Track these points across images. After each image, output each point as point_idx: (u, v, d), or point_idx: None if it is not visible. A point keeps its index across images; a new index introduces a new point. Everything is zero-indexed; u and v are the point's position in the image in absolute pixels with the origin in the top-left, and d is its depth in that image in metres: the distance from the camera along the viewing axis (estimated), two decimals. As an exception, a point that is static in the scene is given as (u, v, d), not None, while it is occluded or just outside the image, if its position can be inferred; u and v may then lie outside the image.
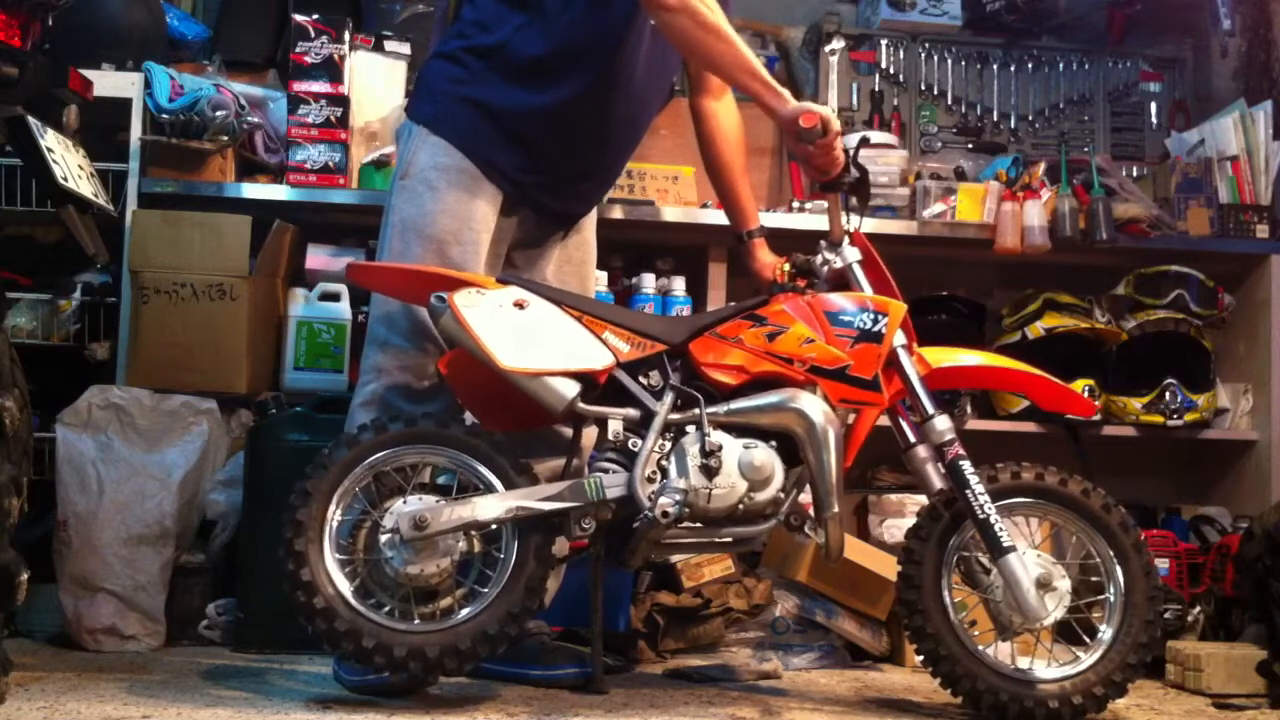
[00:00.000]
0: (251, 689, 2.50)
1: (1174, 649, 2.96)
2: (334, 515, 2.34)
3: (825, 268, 2.60)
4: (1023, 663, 2.48)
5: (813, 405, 2.39)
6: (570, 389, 2.36)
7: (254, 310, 3.27)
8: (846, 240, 2.59)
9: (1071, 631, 2.51)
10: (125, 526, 2.94)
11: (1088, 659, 2.46)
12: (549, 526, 2.38)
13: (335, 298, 3.43)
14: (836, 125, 2.45)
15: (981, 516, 2.41)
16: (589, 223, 2.85)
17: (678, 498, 2.34)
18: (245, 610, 2.95)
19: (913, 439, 2.50)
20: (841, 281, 2.58)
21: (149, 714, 2.25)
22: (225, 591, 3.08)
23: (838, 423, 2.41)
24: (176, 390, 3.12)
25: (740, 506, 2.39)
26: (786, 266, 2.67)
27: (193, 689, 2.49)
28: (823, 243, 2.62)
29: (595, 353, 2.40)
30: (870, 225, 2.87)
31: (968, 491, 2.42)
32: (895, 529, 3.30)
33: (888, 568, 3.04)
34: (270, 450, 2.98)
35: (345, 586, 2.31)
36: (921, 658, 2.47)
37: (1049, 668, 2.46)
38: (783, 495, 2.42)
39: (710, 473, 2.36)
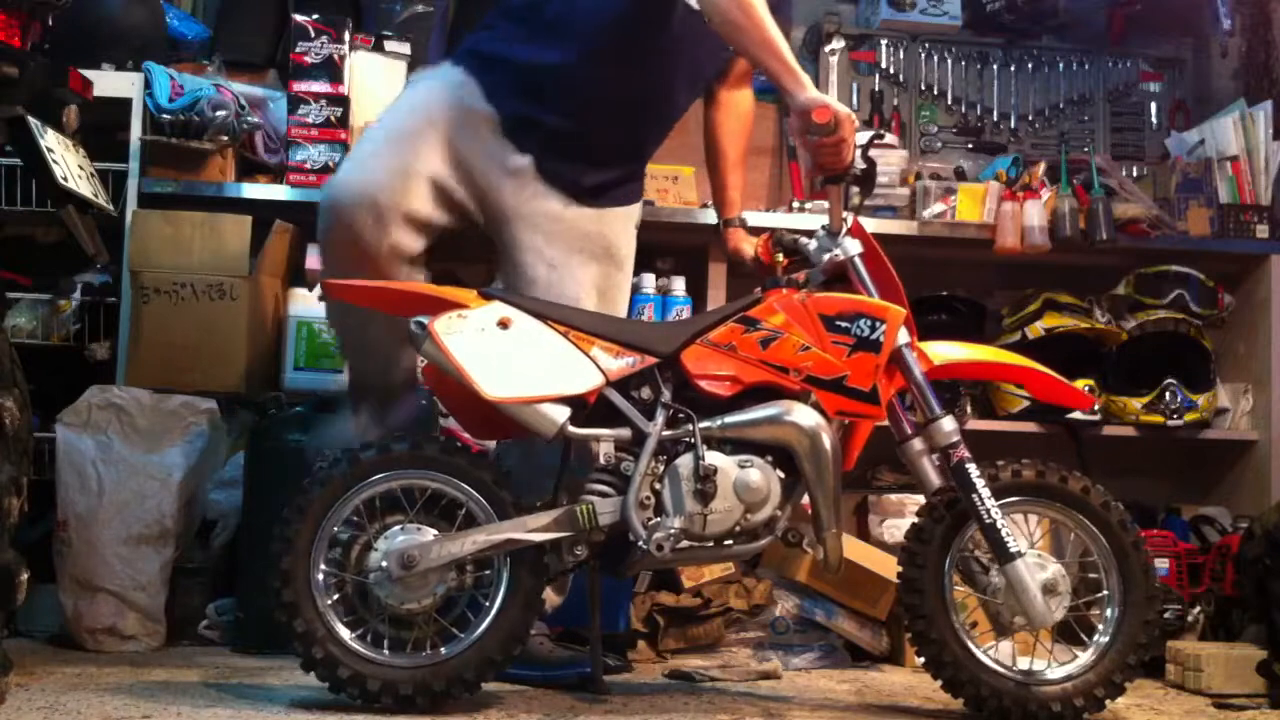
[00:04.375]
0: (251, 689, 2.50)
1: (1174, 649, 2.96)
2: (324, 535, 2.32)
3: (825, 258, 2.53)
4: (1022, 662, 2.47)
5: (809, 420, 2.36)
6: (560, 414, 2.31)
7: (254, 310, 3.27)
8: (845, 231, 2.53)
9: (1068, 629, 2.50)
10: (125, 526, 2.94)
11: (1087, 659, 2.45)
12: (542, 550, 2.35)
13: (335, 298, 3.43)
14: (850, 125, 2.39)
15: (988, 521, 2.38)
16: (622, 239, 2.79)
17: (673, 531, 2.31)
18: (245, 610, 2.95)
19: (909, 431, 2.47)
20: (840, 273, 2.53)
21: (149, 714, 2.25)
22: (225, 591, 3.08)
23: (835, 436, 2.38)
24: (176, 390, 3.12)
25: (737, 528, 2.36)
26: (779, 258, 2.63)
27: (193, 689, 2.48)
28: (821, 231, 2.57)
29: (584, 374, 2.34)
30: (870, 225, 2.86)
31: (974, 495, 2.39)
32: (895, 529, 3.30)
33: (888, 568, 3.04)
34: (270, 450, 2.97)
35: (329, 612, 2.30)
36: (924, 661, 2.46)
37: (1050, 669, 2.45)
38: (779, 513, 2.39)
39: (705, 498, 2.33)
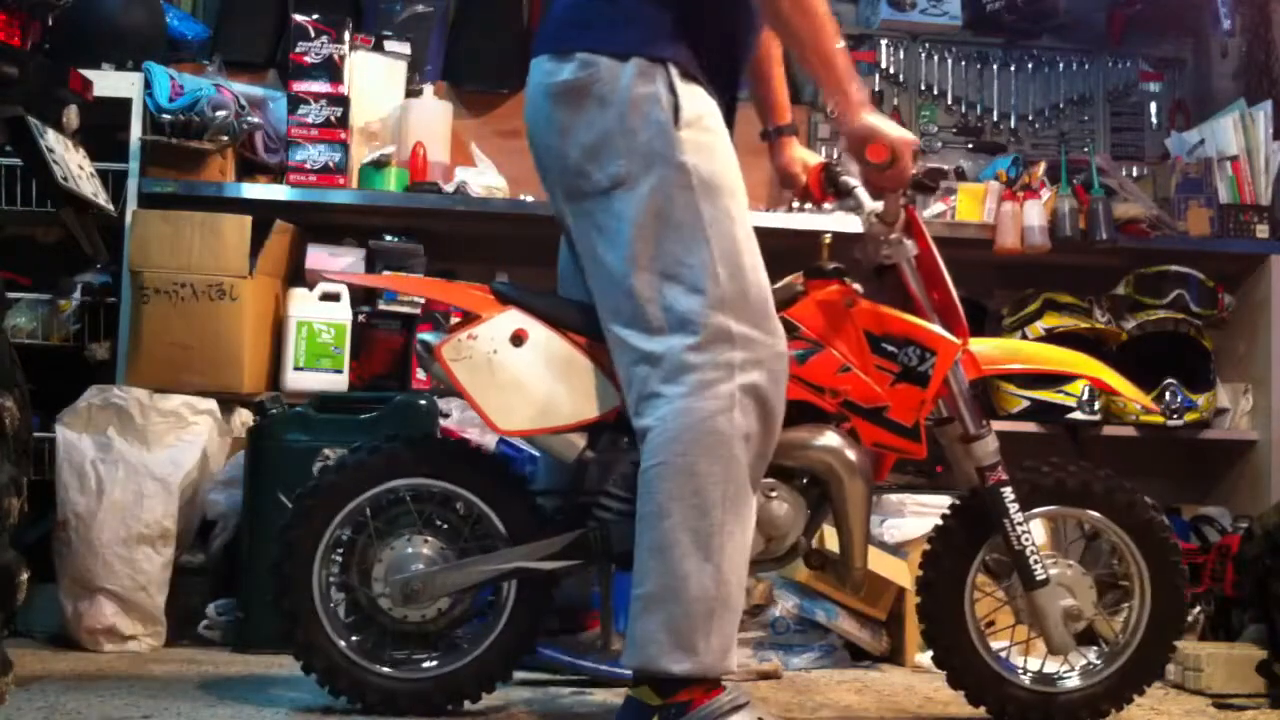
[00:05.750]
0: (251, 689, 2.50)
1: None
2: (328, 540, 2.28)
3: (876, 249, 2.31)
4: (1033, 663, 2.44)
5: (844, 450, 2.24)
6: (578, 441, 2.22)
7: (254, 310, 3.27)
8: (902, 220, 2.29)
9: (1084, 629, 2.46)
10: (125, 526, 2.94)
11: (1103, 669, 2.41)
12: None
13: (335, 298, 3.43)
14: (907, 153, 2.15)
15: (1018, 549, 2.30)
16: None
17: None
18: (245, 610, 2.95)
19: (945, 413, 2.33)
20: (891, 270, 2.33)
21: (149, 714, 2.25)
22: (225, 591, 3.08)
23: (870, 468, 2.26)
24: (176, 390, 3.12)
25: (758, 557, 2.26)
26: (829, 195, 2.42)
27: (193, 689, 2.48)
28: (874, 219, 2.30)
29: (603, 396, 2.20)
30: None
31: (1006, 520, 2.29)
32: (895, 529, 3.29)
33: (888, 568, 3.04)
34: (270, 450, 2.97)
35: (331, 619, 2.27)
36: (933, 658, 2.43)
37: (1062, 676, 2.42)
38: (803, 539, 2.31)
39: None
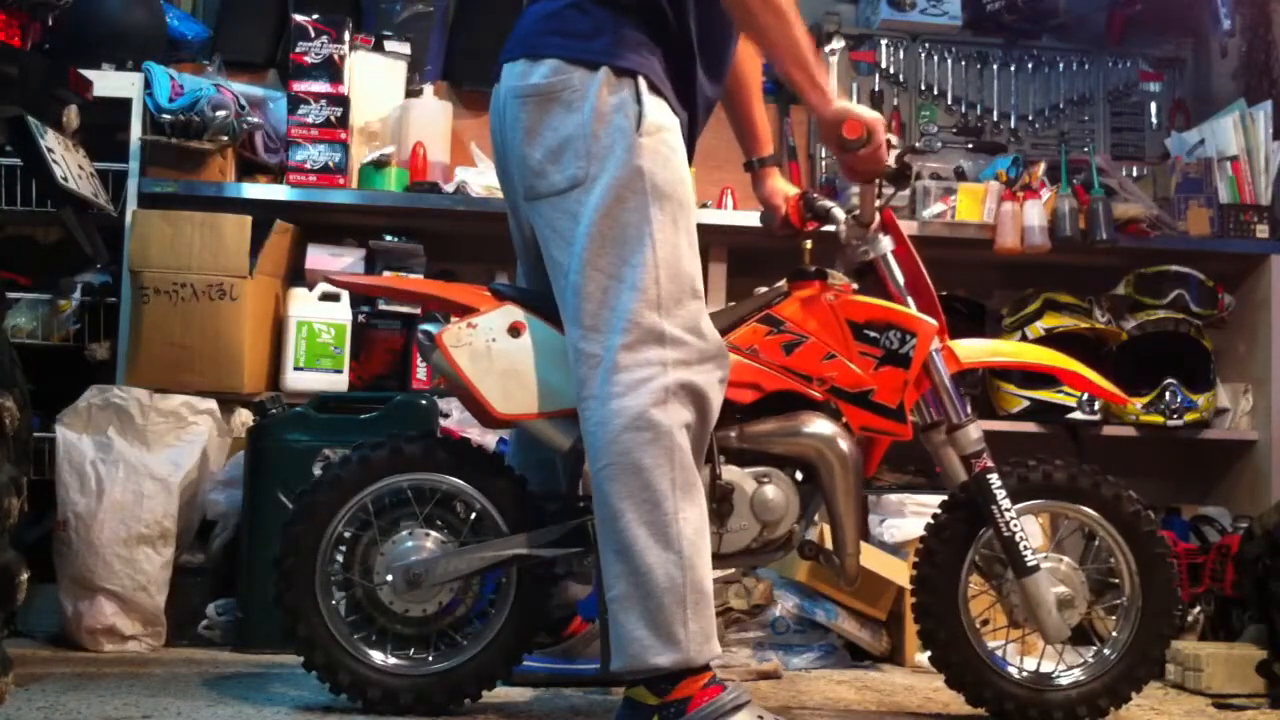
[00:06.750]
0: (251, 689, 2.50)
1: (1174, 649, 2.95)
2: (331, 537, 2.29)
3: (854, 251, 2.40)
4: (1029, 662, 2.45)
5: (833, 436, 2.30)
6: (572, 428, 2.24)
7: (254, 310, 3.27)
8: (878, 223, 2.38)
9: (1077, 627, 2.45)
10: (125, 526, 2.94)
11: (1098, 666, 2.42)
12: (550, 562, 2.31)
13: (335, 298, 3.43)
14: (881, 130, 2.22)
15: (1007, 534, 2.32)
16: None
17: None
18: (245, 610, 2.95)
19: (933, 418, 2.38)
20: (870, 267, 2.41)
21: (149, 714, 2.25)
22: (225, 591, 3.08)
23: (859, 453, 2.31)
24: (176, 390, 3.12)
25: (753, 544, 2.31)
26: (811, 237, 2.48)
27: (193, 689, 2.49)
28: (850, 219, 2.41)
29: None
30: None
31: (994, 507, 2.32)
32: (895, 529, 3.30)
33: (889, 568, 3.05)
34: (270, 450, 2.97)
35: (332, 615, 2.28)
36: (930, 658, 2.44)
37: (1058, 674, 2.42)
38: (797, 527, 2.34)
39: (721, 517, 2.26)
